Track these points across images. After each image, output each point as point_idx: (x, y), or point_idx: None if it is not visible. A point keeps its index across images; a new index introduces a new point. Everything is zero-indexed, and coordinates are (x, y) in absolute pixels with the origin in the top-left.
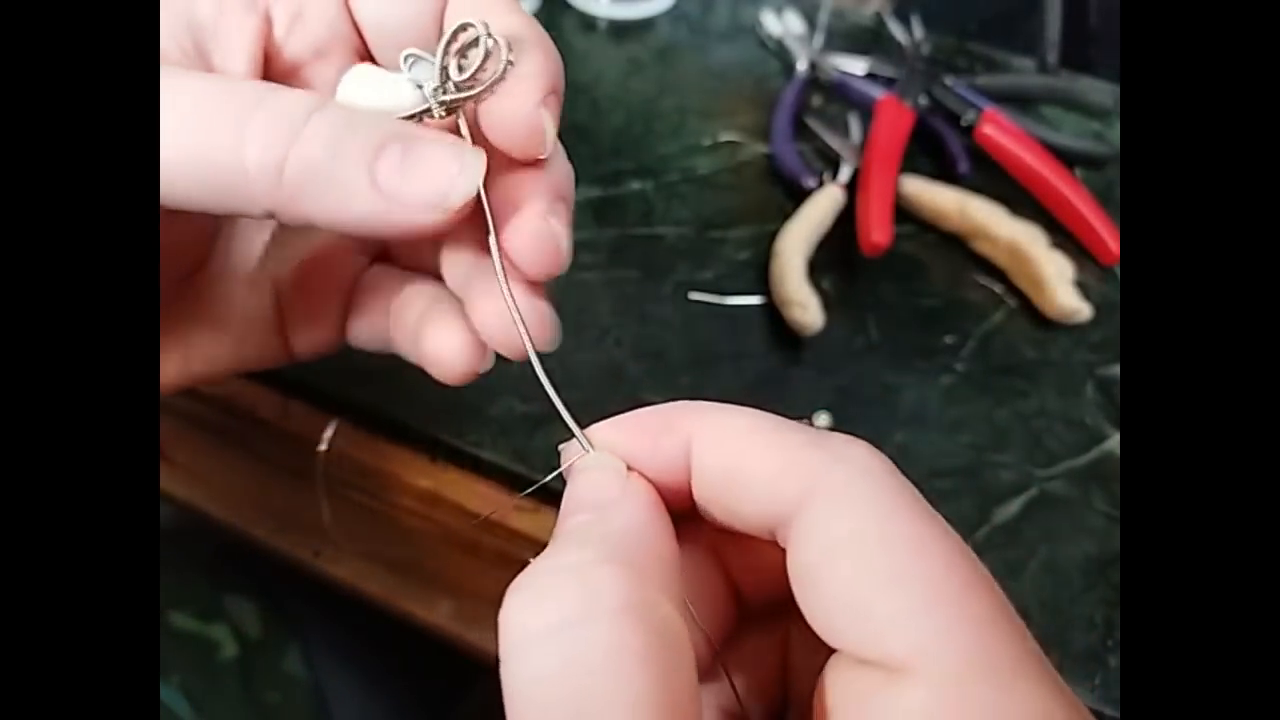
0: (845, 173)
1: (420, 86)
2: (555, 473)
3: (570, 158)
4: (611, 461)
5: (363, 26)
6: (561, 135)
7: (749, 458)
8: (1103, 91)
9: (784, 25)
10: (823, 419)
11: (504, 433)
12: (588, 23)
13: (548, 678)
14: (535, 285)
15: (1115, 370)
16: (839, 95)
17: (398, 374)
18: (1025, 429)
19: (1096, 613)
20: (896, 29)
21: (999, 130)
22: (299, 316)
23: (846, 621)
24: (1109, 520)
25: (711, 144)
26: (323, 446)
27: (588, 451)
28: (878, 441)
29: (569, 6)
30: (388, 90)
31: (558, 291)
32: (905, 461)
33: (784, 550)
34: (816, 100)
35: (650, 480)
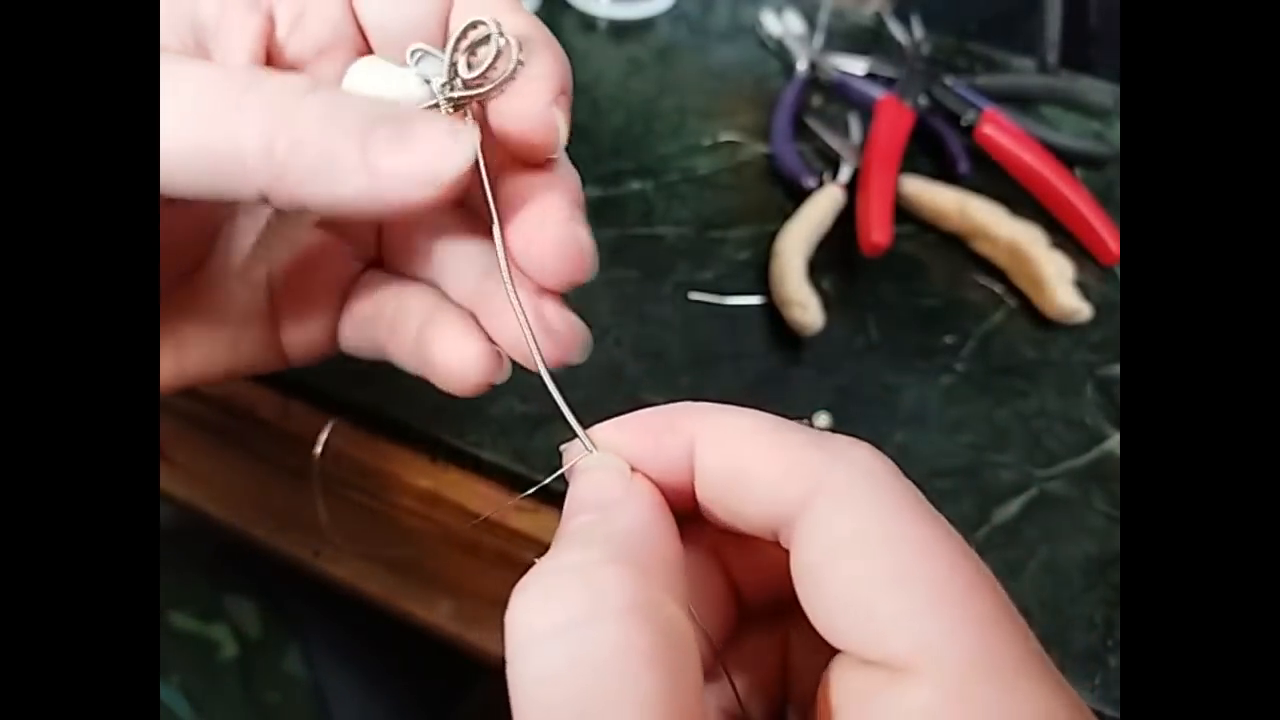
0: (845, 173)
1: (428, 82)
2: (557, 473)
3: (570, 158)
4: (614, 462)
5: (366, 27)
6: None
7: (752, 458)
8: (1103, 91)
9: (784, 25)
10: (823, 419)
11: (504, 433)
12: (588, 23)
13: (554, 678)
14: (556, 293)
15: (1115, 370)
16: (839, 95)
17: (398, 374)
18: (1025, 429)
19: (1096, 613)
20: (896, 29)
21: (999, 130)
22: (293, 320)
23: (850, 621)
24: (1109, 520)
25: (711, 144)
26: (318, 449)
27: (590, 452)
28: (878, 441)
29: (569, 6)
30: (394, 83)
31: None
32: (905, 461)
33: (785, 551)
34: (816, 100)
35: (653, 480)
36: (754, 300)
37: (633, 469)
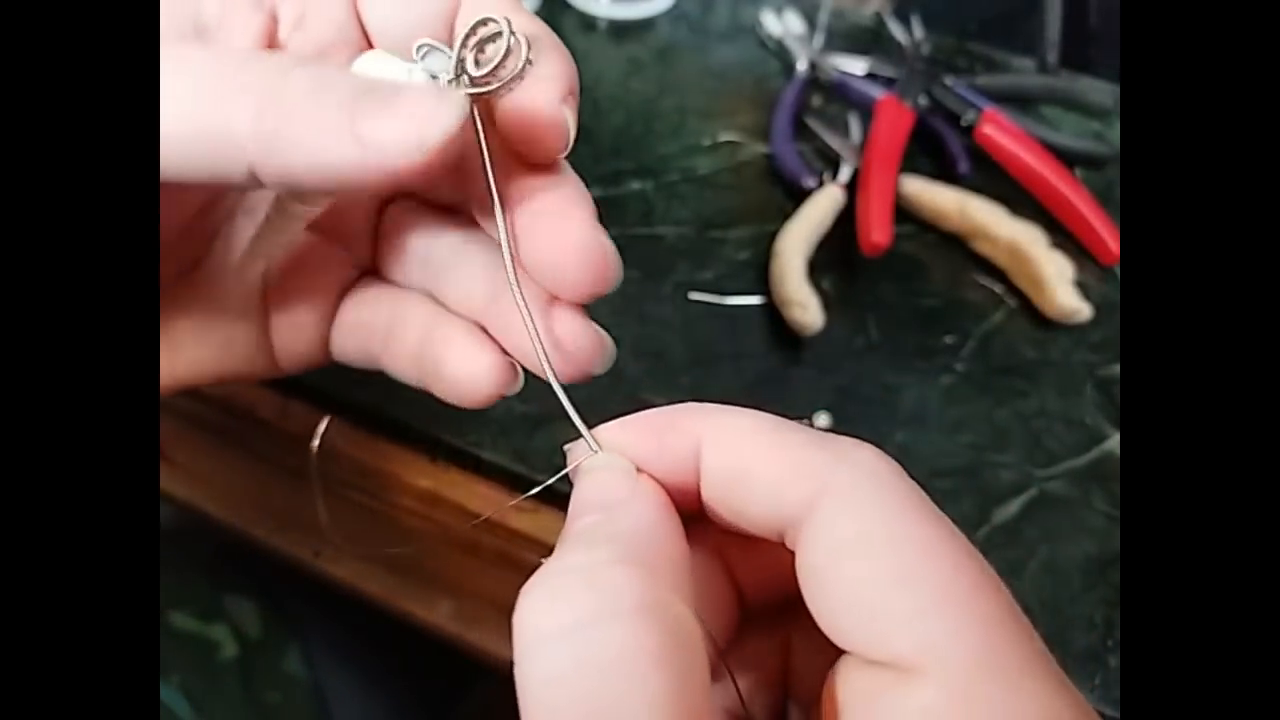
0: (845, 173)
1: (435, 77)
2: (561, 473)
3: (570, 158)
4: (620, 462)
5: (369, 28)
6: None
7: (758, 459)
8: (1103, 91)
9: (784, 25)
10: (823, 419)
11: (504, 433)
12: (588, 23)
13: (562, 678)
14: (576, 304)
15: (1115, 370)
16: (839, 95)
17: None
18: (1025, 429)
19: (1096, 613)
20: (896, 29)
21: (999, 130)
22: (285, 325)
23: (855, 622)
24: (1109, 520)
25: (711, 144)
26: (315, 443)
27: (595, 452)
28: (878, 441)
29: (569, 6)
30: (400, 78)
31: None
32: (905, 461)
33: (789, 552)
34: (816, 100)
35: (657, 481)
36: (754, 300)
37: (638, 469)
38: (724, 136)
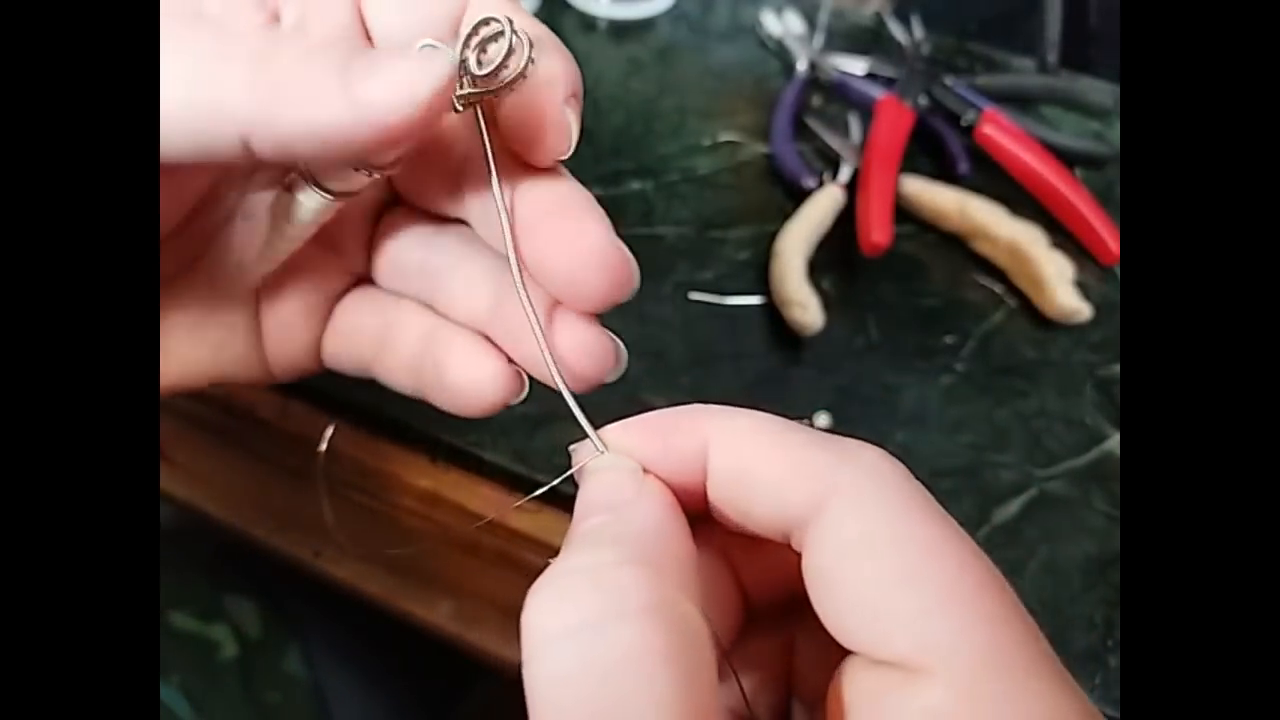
0: (845, 173)
1: None
2: (566, 474)
3: (570, 158)
4: (626, 463)
5: (372, 31)
6: None
7: (765, 460)
8: (1103, 91)
9: (784, 25)
10: (823, 419)
11: (504, 433)
12: (588, 23)
13: (570, 678)
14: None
15: (1115, 370)
16: (839, 95)
17: None
18: (1025, 429)
19: (1096, 613)
20: (896, 29)
21: (999, 130)
22: (276, 330)
23: (862, 622)
24: (1109, 520)
25: (711, 144)
26: (322, 447)
27: (601, 453)
28: (878, 441)
29: (569, 6)
30: None
31: None
32: (906, 461)
33: (793, 553)
34: (816, 100)
35: (663, 481)
36: (754, 300)
37: (644, 470)
38: (724, 136)
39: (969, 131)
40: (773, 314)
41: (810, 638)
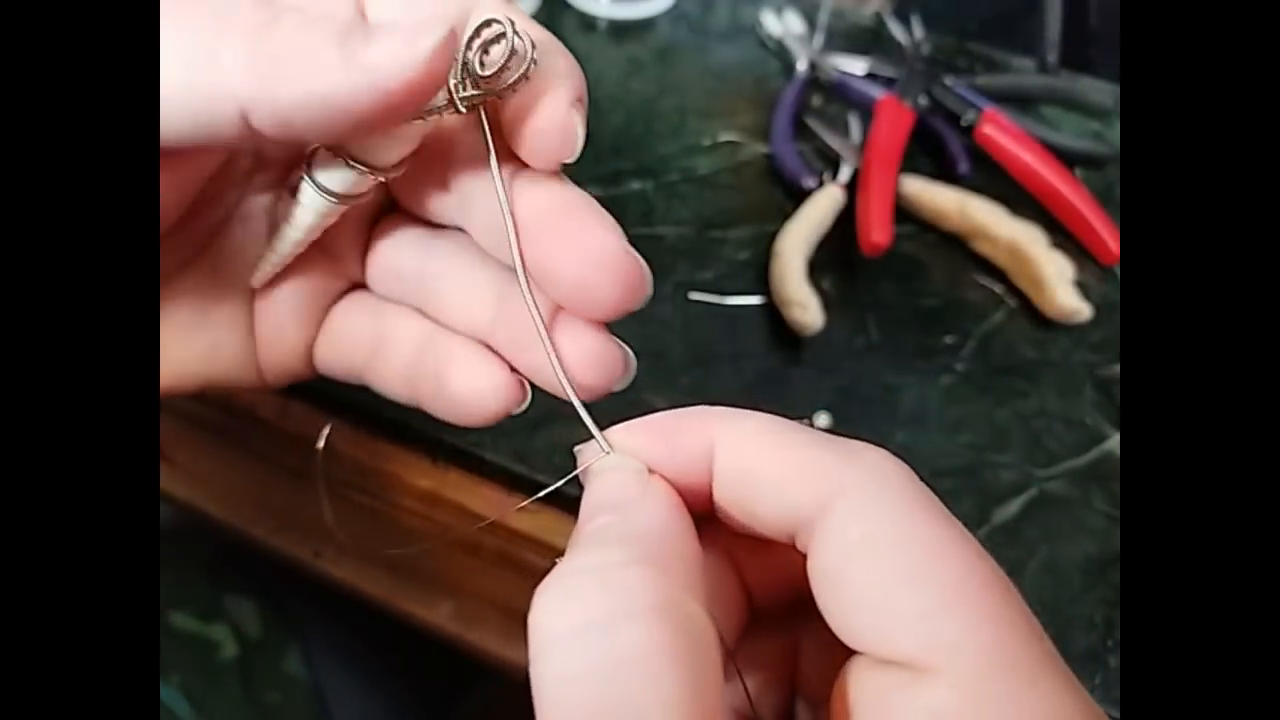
0: (845, 173)
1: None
2: (571, 475)
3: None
4: (632, 463)
5: None
6: None
7: (772, 462)
8: (1103, 91)
9: (784, 25)
10: (823, 419)
11: (504, 433)
12: (588, 23)
13: (577, 678)
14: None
15: (1115, 370)
16: (839, 95)
17: None
18: (1025, 429)
19: (1096, 613)
20: (896, 29)
21: (999, 130)
22: (269, 334)
23: (867, 622)
24: (1109, 520)
25: (711, 144)
26: (320, 444)
27: (607, 453)
28: (878, 441)
29: (569, 6)
30: None
31: None
32: (906, 461)
33: (798, 554)
34: (816, 100)
35: (668, 482)
36: (754, 300)
37: (649, 470)
38: (724, 136)
39: (969, 131)
40: (773, 314)
41: (814, 638)
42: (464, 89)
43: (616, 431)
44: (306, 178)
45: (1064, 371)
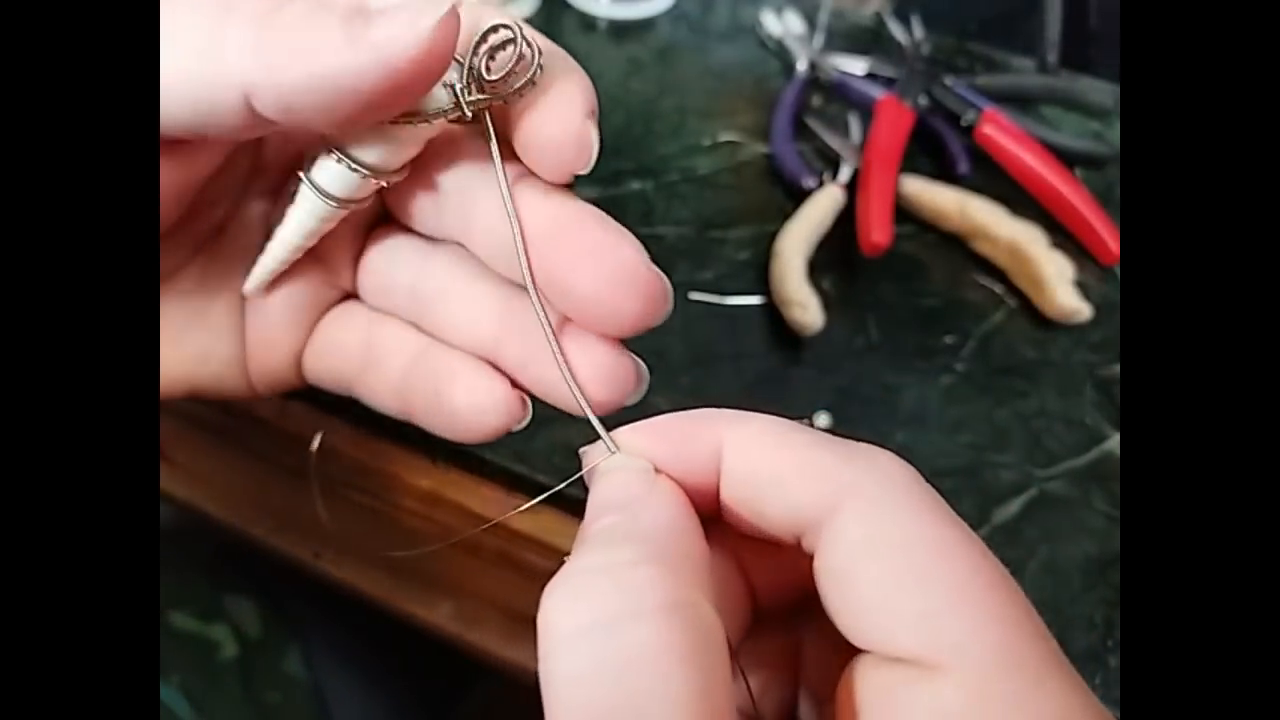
0: (845, 173)
1: (449, 86)
2: (576, 475)
3: None
4: (638, 462)
5: None
6: None
7: (780, 462)
8: (1103, 91)
9: (784, 25)
10: (823, 419)
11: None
12: (588, 23)
13: (587, 677)
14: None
15: (1115, 370)
16: (839, 95)
17: None
18: (1025, 429)
19: (1096, 613)
20: (896, 29)
21: (999, 130)
22: (259, 342)
23: (875, 620)
24: (1109, 520)
25: (711, 144)
26: (313, 448)
27: (613, 453)
28: (878, 441)
29: (569, 6)
30: None
31: None
32: (906, 461)
33: (803, 554)
34: (816, 100)
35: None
36: (754, 300)
37: (655, 470)
38: (724, 136)
39: (969, 131)
40: (773, 314)
41: (818, 637)
42: (470, 93)
43: (623, 432)
44: (305, 179)
45: (1064, 371)
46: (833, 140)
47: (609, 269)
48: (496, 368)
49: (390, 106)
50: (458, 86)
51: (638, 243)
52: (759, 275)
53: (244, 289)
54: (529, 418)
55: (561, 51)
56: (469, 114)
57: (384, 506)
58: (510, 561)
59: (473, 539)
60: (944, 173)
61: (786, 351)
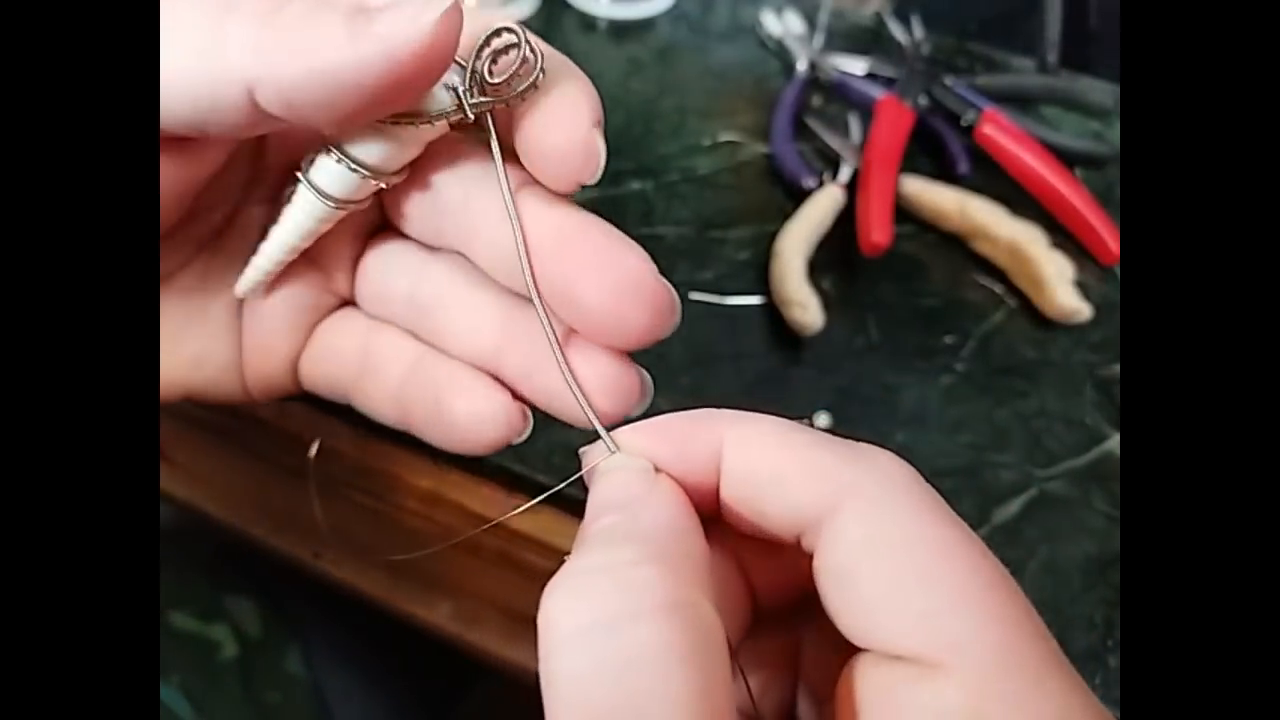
0: (845, 173)
1: (452, 89)
2: (576, 475)
3: None
4: (638, 462)
5: None
6: None
7: (781, 462)
8: (1103, 91)
9: (784, 25)
10: (823, 419)
11: None
12: (588, 23)
13: (588, 676)
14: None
15: (1115, 370)
16: (839, 95)
17: None
18: (1025, 429)
19: (1096, 613)
20: (896, 29)
21: (999, 130)
22: (255, 347)
23: (876, 619)
24: (1109, 520)
25: (711, 144)
26: (312, 453)
27: (613, 453)
28: (878, 441)
29: (569, 6)
30: None
31: None
32: (906, 461)
33: (803, 555)
34: (816, 100)
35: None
36: (754, 300)
37: (655, 470)
38: (724, 136)
39: (969, 131)
40: (773, 314)
41: (817, 636)
42: (472, 96)
43: (623, 432)
44: (302, 179)
45: (1064, 371)
46: (833, 140)
47: (616, 280)
48: (497, 378)
49: (393, 102)
50: (460, 88)
51: (644, 253)
52: (759, 275)
53: (236, 289)
54: (529, 430)
55: (567, 60)
56: (471, 116)
57: (384, 506)
58: (510, 561)
59: (473, 539)
60: (944, 173)
61: (786, 351)
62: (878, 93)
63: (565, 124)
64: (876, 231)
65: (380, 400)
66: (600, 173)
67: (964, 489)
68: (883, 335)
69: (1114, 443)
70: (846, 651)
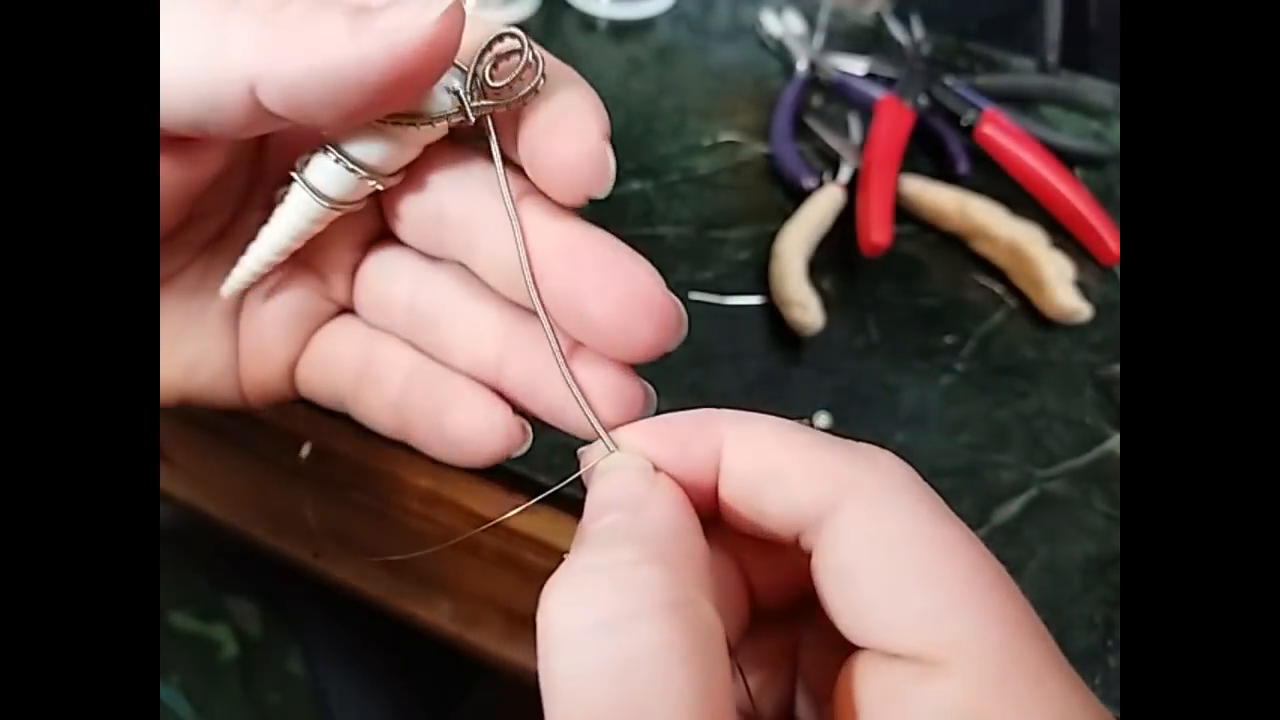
0: (845, 173)
1: (453, 91)
2: (576, 475)
3: None
4: (638, 461)
5: None
6: None
7: (781, 461)
8: (1103, 91)
9: (784, 25)
10: (823, 419)
11: None
12: (588, 23)
13: (589, 676)
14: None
15: (1115, 370)
16: (839, 95)
17: None
18: (1025, 429)
19: (1096, 613)
20: (896, 29)
21: (999, 130)
22: (252, 352)
23: (876, 618)
24: (1109, 520)
25: (711, 144)
26: (303, 454)
27: (612, 452)
28: (878, 441)
29: (569, 6)
30: None
31: None
32: (906, 461)
33: (802, 554)
34: (816, 100)
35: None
36: (754, 300)
37: (655, 469)
38: (724, 136)
39: (969, 131)
40: (773, 314)
41: (816, 635)
42: (473, 99)
43: (623, 432)
44: (297, 177)
45: (1064, 371)
46: (833, 140)
47: (624, 295)
48: (497, 389)
49: (394, 99)
50: (461, 91)
51: (651, 266)
52: (759, 275)
53: (222, 289)
54: (529, 443)
55: (573, 72)
56: (472, 118)
57: (384, 506)
58: (510, 561)
59: (473, 539)
60: (944, 173)
61: (786, 351)
62: (878, 93)
63: (575, 135)
64: (876, 231)
65: (378, 410)
66: (610, 187)
67: (964, 489)
68: (883, 335)
69: (1114, 443)
70: (845, 651)
